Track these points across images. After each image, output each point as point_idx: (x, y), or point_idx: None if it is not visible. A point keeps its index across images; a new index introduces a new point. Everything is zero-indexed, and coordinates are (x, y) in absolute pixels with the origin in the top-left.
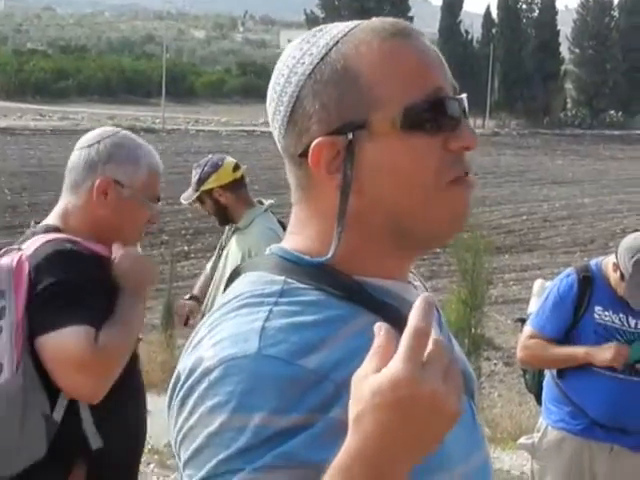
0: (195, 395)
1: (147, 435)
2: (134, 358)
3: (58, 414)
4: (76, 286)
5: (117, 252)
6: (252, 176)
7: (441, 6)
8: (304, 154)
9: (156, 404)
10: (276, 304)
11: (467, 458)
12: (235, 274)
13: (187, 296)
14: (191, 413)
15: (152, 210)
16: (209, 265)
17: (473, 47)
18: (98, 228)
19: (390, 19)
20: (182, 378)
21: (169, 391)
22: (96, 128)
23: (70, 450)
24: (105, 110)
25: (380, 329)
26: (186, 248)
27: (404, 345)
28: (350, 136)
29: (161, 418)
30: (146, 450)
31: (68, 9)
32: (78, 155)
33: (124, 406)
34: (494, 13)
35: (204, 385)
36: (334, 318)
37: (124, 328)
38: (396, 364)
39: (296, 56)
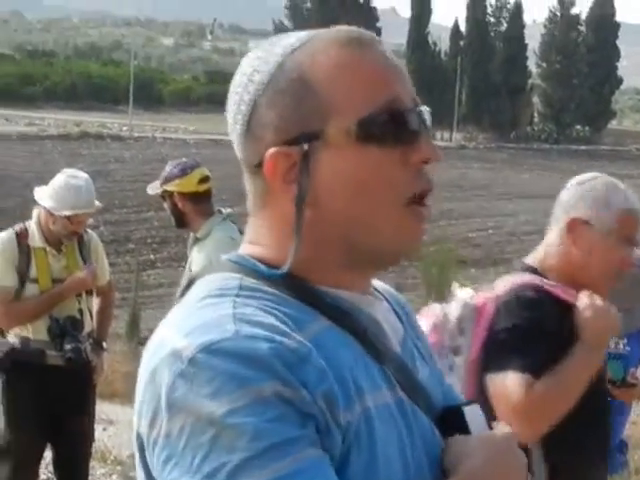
0: (184, 390)
1: (110, 446)
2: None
3: None
4: (525, 333)
5: (582, 300)
6: (219, 185)
7: (409, 18)
8: (260, 164)
9: (119, 415)
10: (237, 296)
11: None
12: (191, 282)
13: None
14: (189, 409)
15: (625, 253)
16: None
17: (441, 59)
18: (570, 270)
19: (350, 27)
20: (157, 382)
21: (138, 406)
22: (61, 134)
23: None
24: (72, 116)
25: None
26: (152, 257)
27: None
28: (305, 147)
29: (124, 428)
30: (109, 461)
31: (36, 14)
32: (565, 192)
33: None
34: (462, 26)
35: (189, 375)
36: (292, 317)
37: (566, 379)
38: None
39: (254, 65)
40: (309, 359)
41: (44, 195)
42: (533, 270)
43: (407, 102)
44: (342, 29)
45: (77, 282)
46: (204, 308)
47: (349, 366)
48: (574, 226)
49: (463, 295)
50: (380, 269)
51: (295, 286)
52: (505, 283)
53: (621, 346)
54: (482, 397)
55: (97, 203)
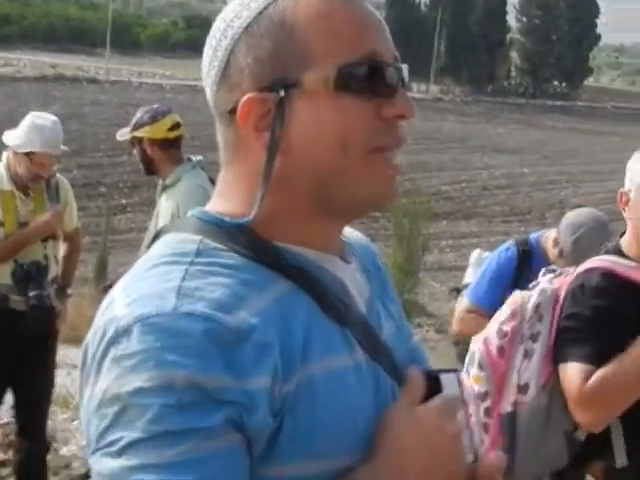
0: (110, 356)
1: (73, 391)
2: None
3: (582, 434)
4: (587, 322)
5: None
6: (193, 131)
7: None
8: (234, 111)
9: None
10: (192, 264)
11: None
12: (156, 237)
13: None
14: (107, 376)
15: None
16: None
17: (420, 11)
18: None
19: None
20: (95, 341)
21: (81, 359)
22: (37, 76)
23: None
24: (49, 58)
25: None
26: (124, 201)
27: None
28: (282, 93)
29: None
30: (71, 406)
31: None
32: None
33: None
34: None
35: (120, 345)
36: (250, 283)
37: (629, 367)
38: None
39: (235, 10)
40: (249, 337)
41: (10, 136)
42: (618, 250)
43: (387, 57)
44: None
45: (41, 224)
46: (154, 276)
47: (303, 331)
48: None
49: (544, 280)
50: (351, 219)
51: (257, 245)
52: (579, 268)
53: None
54: (558, 384)
55: (63, 147)
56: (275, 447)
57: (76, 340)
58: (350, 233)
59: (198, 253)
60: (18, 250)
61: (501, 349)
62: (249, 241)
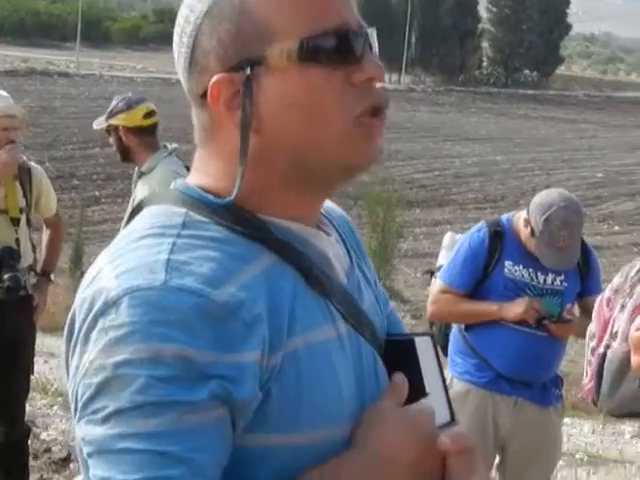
0: (98, 327)
1: (52, 378)
2: None
3: None
4: None
5: None
6: (166, 124)
7: None
8: (205, 94)
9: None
10: (178, 236)
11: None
12: (137, 209)
13: None
14: (94, 346)
15: None
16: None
17: (391, 2)
18: None
19: None
20: (82, 312)
21: (66, 330)
22: (8, 70)
23: None
24: (19, 52)
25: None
26: (97, 193)
27: None
28: (248, 72)
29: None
30: (49, 393)
31: None
32: None
33: None
34: None
35: (109, 317)
36: (236, 256)
37: None
38: None
39: None
40: (238, 312)
41: None
42: None
43: (350, 23)
44: None
45: None
46: (142, 248)
47: (289, 304)
48: None
49: None
50: (331, 189)
51: (242, 219)
52: None
53: (558, 282)
54: None
55: (21, 109)
56: (260, 418)
57: (53, 329)
58: (325, 202)
59: (184, 225)
60: None
61: (608, 299)
62: (234, 214)
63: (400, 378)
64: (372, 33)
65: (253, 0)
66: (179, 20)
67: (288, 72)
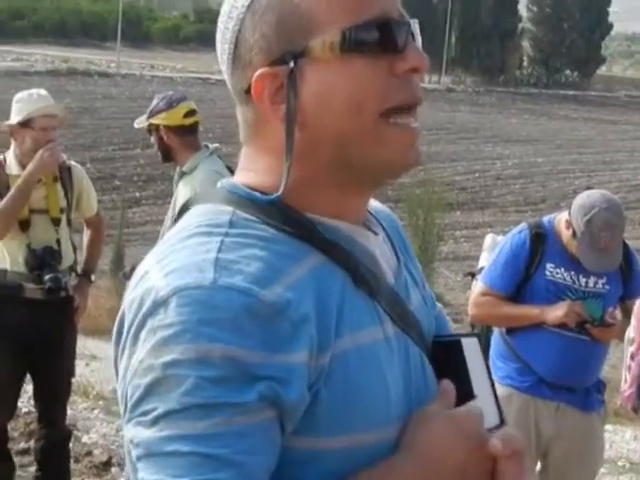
0: (147, 327)
1: (93, 381)
2: None
3: None
4: None
5: None
6: (206, 124)
7: None
8: (249, 89)
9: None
10: (226, 235)
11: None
12: (184, 208)
13: None
14: (143, 347)
15: None
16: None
17: (431, 2)
18: None
19: None
20: (132, 312)
21: (115, 331)
22: (49, 70)
23: None
24: (60, 52)
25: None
26: (138, 194)
27: None
28: (291, 64)
29: (107, 364)
30: (91, 396)
31: None
32: None
33: None
34: None
35: (158, 316)
36: (284, 255)
37: None
38: None
39: None
40: (286, 312)
41: (7, 121)
42: None
43: (392, 13)
44: None
45: (36, 163)
46: (190, 247)
47: (336, 305)
48: None
49: None
50: (375, 187)
51: (289, 218)
52: None
53: (600, 285)
54: None
55: (61, 108)
56: (309, 421)
57: (94, 331)
58: (371, 202)
59: (232, 224)
60: (25, 197)
61: None
62: (281, 214)
63: (448, 385)
64: (414, 24)
65: None
66: (222, 16)
67: (331, 64)
